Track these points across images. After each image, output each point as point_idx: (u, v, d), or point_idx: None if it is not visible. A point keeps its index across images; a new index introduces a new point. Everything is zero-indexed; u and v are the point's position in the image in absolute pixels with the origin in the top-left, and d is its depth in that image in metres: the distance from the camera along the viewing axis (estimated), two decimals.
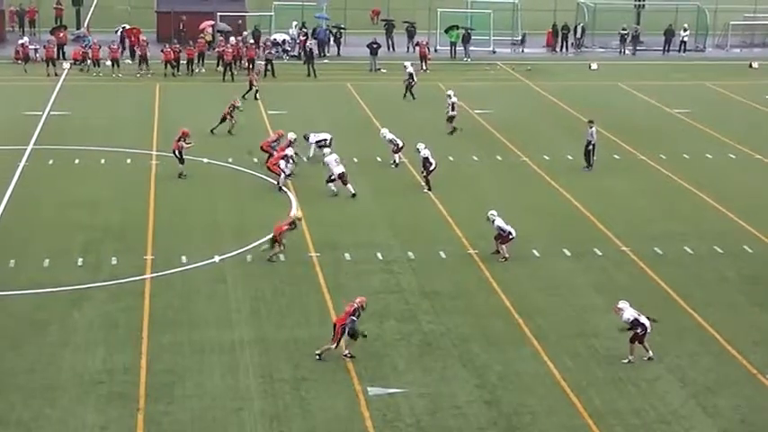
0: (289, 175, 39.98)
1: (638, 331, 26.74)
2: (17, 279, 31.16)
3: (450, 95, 49.26)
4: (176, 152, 40.61)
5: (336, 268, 32.45)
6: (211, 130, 46.87)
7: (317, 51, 66.12)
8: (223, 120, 47.20)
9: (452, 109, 48.73)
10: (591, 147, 43.44)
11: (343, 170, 39.35)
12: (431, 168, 39.87)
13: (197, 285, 31.07)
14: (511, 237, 33.38)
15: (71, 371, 25.73)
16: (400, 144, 43.01)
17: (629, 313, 26.88)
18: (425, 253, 33.86)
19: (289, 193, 39.19)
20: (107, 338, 27.45)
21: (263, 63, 61.34)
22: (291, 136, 41.73)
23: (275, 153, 40.69)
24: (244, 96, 52.42)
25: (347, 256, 33.43)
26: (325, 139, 42.87)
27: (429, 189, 39.81)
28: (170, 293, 30.40)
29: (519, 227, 34.00)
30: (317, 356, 26.51)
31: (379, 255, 33.62)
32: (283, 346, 27.23)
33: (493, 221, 33.46)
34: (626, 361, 26.82)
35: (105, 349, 26.83)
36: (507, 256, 33.28)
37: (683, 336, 28.54)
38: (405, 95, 56.42)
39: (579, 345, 27.83)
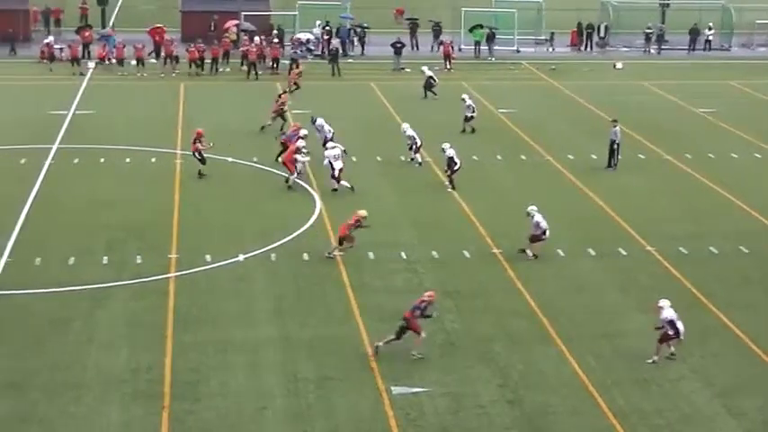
0: (299, 173, 40.10)
1: (671, 333, 26.65)
2: (42, 277, 31.30)
3: (464, 99, 49.02)
4: (195, 153, 40.73)
5: (360, 267, 32.47)
6: (281, 129, 46.93)
7: (341, 51, 66.27)
8: (281, 116, 47.63)
9: (470, 110, 48.48)
10: (615, 146, 43.35)
11: (342, 166, 39.55)
12: (455, 168, 39.84)
13: (221, 284, 31.16)
14: (544, 236, 33.28)
15: (95, 369, 25.83)
16: (419, 142, 43.05)
17: (668, 313, 26.78)
18: (449, 252, 33.86)
19: (313, 192, 39.23)
20: (131, 337, 27.55)
21: (288, 62, 61.34)
22: (303, 132, 41.71)
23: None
24: (285, 92, 52.63)
25: (371, 255, 33.44)
26: (327, 131, 43.16)
27: (453, 188, 39.78)
28: (194, 292, 30.49)
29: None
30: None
31: (402, 254, 33.62)
32: (307, 345, 27.27)
33: (532, 217, 33.34)
34: (650, 361, 26.75)
35: (129, 348, 26.92)
36: (536, 254, 33.16)
37: (707, 336, 28.44)
38: (425, 95, 56.40)
39: (603, 344, 27.77)
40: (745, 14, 78.28)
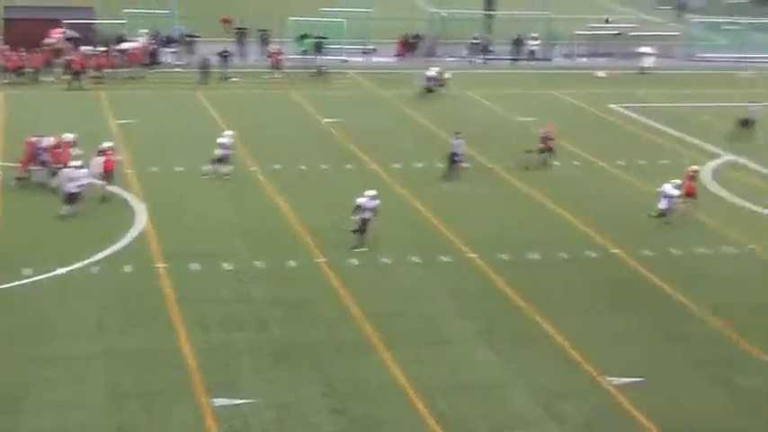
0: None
1: None
2: None
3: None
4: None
5: (183, 279, 32.09)
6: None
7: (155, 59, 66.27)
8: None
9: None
10: (456, 158, 43.81)
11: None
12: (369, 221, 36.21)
13: (41, 298, 30.41)
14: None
15: None
16: (228, 153, 42.55)
17: None
18: (275, 262, 33.74)
19: (134, 204, 38.69)
20: None
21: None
22: (69, 137, 40.84)
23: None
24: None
25: (196, 266, 33.11)
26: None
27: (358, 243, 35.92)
28: (13, 306, 29.71)
29: (370, 234, 34.36)
30: None
31: (229, 264, 33.37)
32: (129, 358, 26.82)
33: None
34: None
35: None
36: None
37: (529, 342, 28.92)
38: (429, 91, 59.96)
39: (428, 352, 27.98)
40: (568, 25, 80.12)
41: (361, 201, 35.03)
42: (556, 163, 47.19)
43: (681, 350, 28.87)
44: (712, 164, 48.38)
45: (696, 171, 42.21)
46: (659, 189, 39.39)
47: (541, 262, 35.03)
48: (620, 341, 29.32)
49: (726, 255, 36.62)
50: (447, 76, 64.36)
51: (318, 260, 34.04)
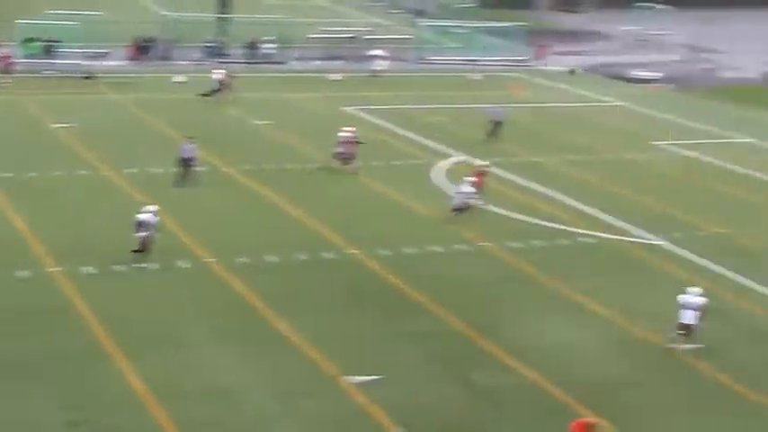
0: None
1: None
2: None
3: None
4: None
5: None
6: None
7: None
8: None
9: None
10: (190, 163, 43.40)
11: None
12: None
13: None
14: None
15: None
16: None
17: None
18: (5, 272, 32.69)
19: None
20: None
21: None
22: None
23: None
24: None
25: None
26: None
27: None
28: None
29: (102, 241, 33.80)
30: None
31: None
32: None
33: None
34: None
35: None
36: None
37: (268, 344, 29.01)
38: (208, 95, 60.86)
39: (166, 358, 27.72)
40: (303, 29, 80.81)
41: (143, 217, 34.17)
42: (288, 166, 47.41)
43: (419, 348, 29.45)
44: (445, 163, 49.63)
45: (487, 167, 44.77)
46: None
47: (280, 264, 35.20)
48: (359, 340, 29.77)
49: (458, 253, 37.60)
50: (181, 80, 63.94)
51: (51, 269, 33.21)
